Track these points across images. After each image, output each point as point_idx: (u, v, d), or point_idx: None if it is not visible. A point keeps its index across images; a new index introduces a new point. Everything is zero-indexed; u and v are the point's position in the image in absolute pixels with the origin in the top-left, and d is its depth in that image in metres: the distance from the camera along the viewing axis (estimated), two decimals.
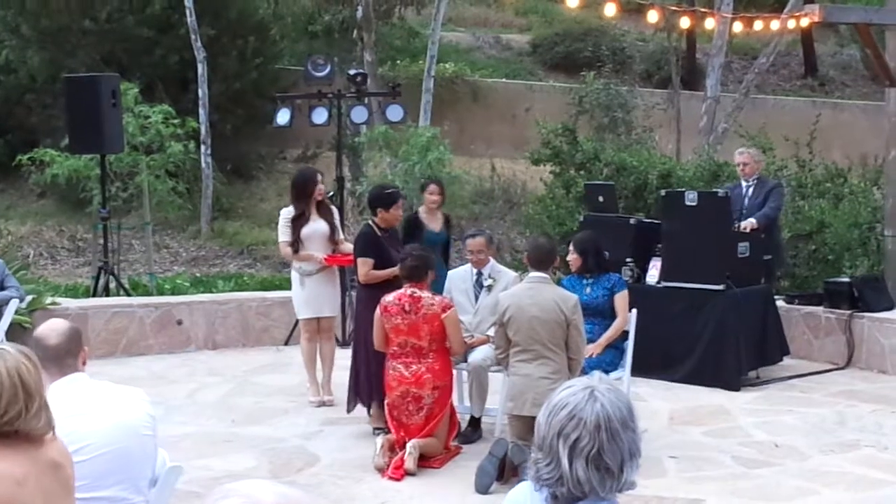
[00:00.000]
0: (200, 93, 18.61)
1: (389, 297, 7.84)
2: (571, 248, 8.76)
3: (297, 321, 11.58)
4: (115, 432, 4.57)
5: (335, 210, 9.75)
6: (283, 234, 9.38)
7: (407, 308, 7.75)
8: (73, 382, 4.52)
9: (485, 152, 21.56)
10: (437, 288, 8.36)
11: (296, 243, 9.27)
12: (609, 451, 2.84)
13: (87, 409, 4.48)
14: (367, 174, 17.40)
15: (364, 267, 8.45)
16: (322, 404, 9.30)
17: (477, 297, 8.72)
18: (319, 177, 9.57)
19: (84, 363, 4.67)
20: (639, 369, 9.07)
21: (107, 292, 12.35)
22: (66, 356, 4.55)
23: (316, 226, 9.29)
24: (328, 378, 9.49)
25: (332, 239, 9.40)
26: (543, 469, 2.90)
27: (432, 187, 10.19)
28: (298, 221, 9.29)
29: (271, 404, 9.50)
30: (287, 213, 9.43)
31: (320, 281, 9.32)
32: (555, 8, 29.50)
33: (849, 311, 10.81)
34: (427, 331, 7.74)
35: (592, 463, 2.84)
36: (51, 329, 4.65)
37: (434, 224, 9.96)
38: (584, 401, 2.87)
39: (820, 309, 11.12)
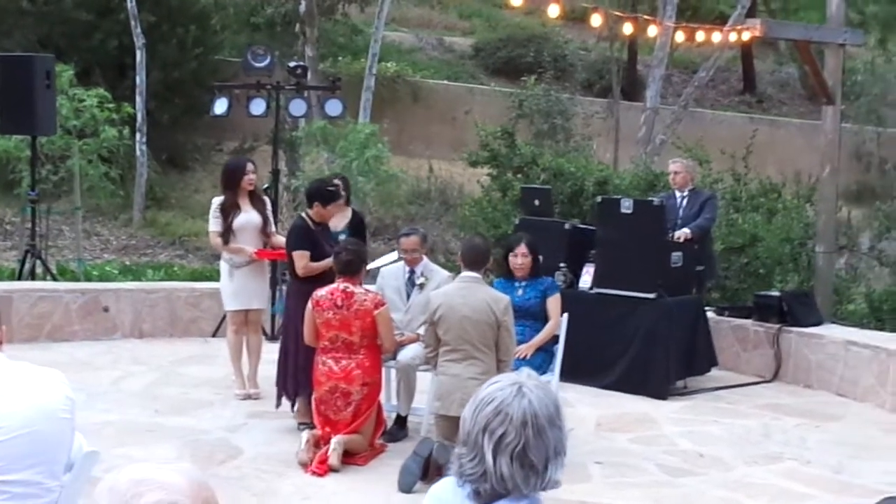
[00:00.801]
0: (138, 80, 18.39)
1: (322, 292, 7.77)
2: (524, 247, 8.65)
3: (225, 313, 11.52)
4: (31, 414, 4.45)
5: (268, 201, 9.63)
6: (214, 223, 9.24)
7: (339, 303, 7.69)
8: None
9: (423, 153, 21.54)
10: None
11: (226, 234, 9.14)
12: (535, 447, 2.80)
13: (2, 389, 4.36)
14: (303, 169, 17.28)
15: (301, 259, 8.35)
16: (248, 397, 9.21)
17: (409, 296, 8.66)
18: (250, 166, 9.43)
19: (1, 342, 4.55)
20: (568, 374, 9.07)
21: (33, 276, 12.14)
22: None
23: (248, 217, 9.17)
24: (255, 371, 9.40)
25: (265, 231, 9.30)
26: (467, 464, 2.85)
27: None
28: (229, 211, 9.16)
29: (196, 395, 9.38)
30: (217, 202, 9.31)
31: (250, 273, 9.21)
32: (498, 13, 29.61)
33: (777, 325, 10.89)
34: (359, 326, 7.68)
35: (517, 459, 2.79)
36: None
37: (340, 223, 9.32)
38: (512, 396, 2.83)
39: (749, 322, 11.19)
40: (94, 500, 2.42)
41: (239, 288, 9.24)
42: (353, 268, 7.76)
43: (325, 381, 7.73)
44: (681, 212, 10.88)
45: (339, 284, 7.75)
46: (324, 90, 13.58)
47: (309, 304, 7.79)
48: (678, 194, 11.02)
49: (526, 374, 2.94)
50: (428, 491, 3.11)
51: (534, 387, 2.86)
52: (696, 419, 9.35)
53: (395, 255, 9.20)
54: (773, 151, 20.32)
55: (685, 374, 10.44)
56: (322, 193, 8.56)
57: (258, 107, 12.45)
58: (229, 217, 9.14)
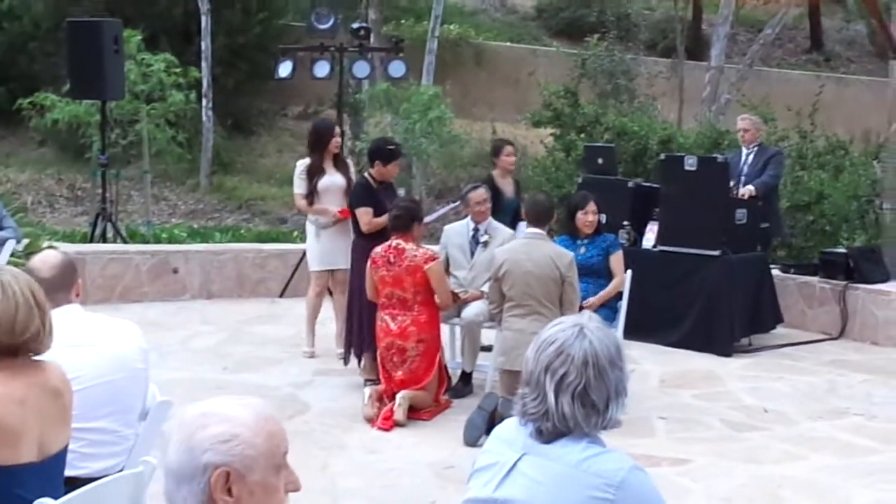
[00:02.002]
0: (203, 46, 18.53)
1: (378, 249, 7.87)
2: (594, 205, 8.73)
3: (292, 274, 11.68)
4: (108, 364, 4.58)
5: (351, 164, 9.65)
6: (299, 185, 9.29)
7: (391, 260, 7.78)
8: (67, 313, 4.52)
9: (486, 115, 21.50)
10: None
11: (311, 196, 9.22)
12: (595, 387, 2.86)
13: (80, 340, 4.49)
14: (367, 132, 17.37)
15: (365, 216, 8.45)
16: (313, 355, 9.28)
17: (473, 253, 8.73)
18: (338, 129, 9.52)
19: (78, 295, 4.67)
20: (631, 332, 9.08)
21: (104, 239, 12.35)
22: (58, 290, 4.53)
23: (332, 179, 9.19)
24: (341, 330, 9.29)
25: (348, 193, 9.30)
26: (530, 404, 2.91)
27: (509, 148, 10.09)
28: (314, 174, 9.22)
29: (264, 353, 9.53)
30: (303, 164, 9.38)
31: (335, 234, 9.17)
32: None
33: (844, 282, 10.81)
34: (411, 282, 7.76)
35: (578, 399, 2.85)
36: (42, 262, 4.62)
37: (507, 189, 9.81)
38: (573, 337, 2.89)
39: (815, 279, 11.12)
40: (167, 435, 2.52)
41: (325, 249, 9.25)
42: (402, 223, 7.83)
43: (383, 338, 7.85)
44: (745, 168, 10.82)
45: (392, 241, 7.84)
46: (387, 52, 13.62)
47: (368, 262, 7.91)
48: (744, 151, 10.97)
49: (587, 316, 2.99)
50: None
51: (595, 328, 2.91)
52: (761, 375, 9.34)
53: (453, 204, 9.28)
54: (840, 109, 20.06)
55: (750, 331, 10.40)
56: (382, 152, 8.65)
57: (322, 69, 12.53)
58: (314, 179, 9.20)
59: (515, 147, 10.16)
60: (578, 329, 2.90)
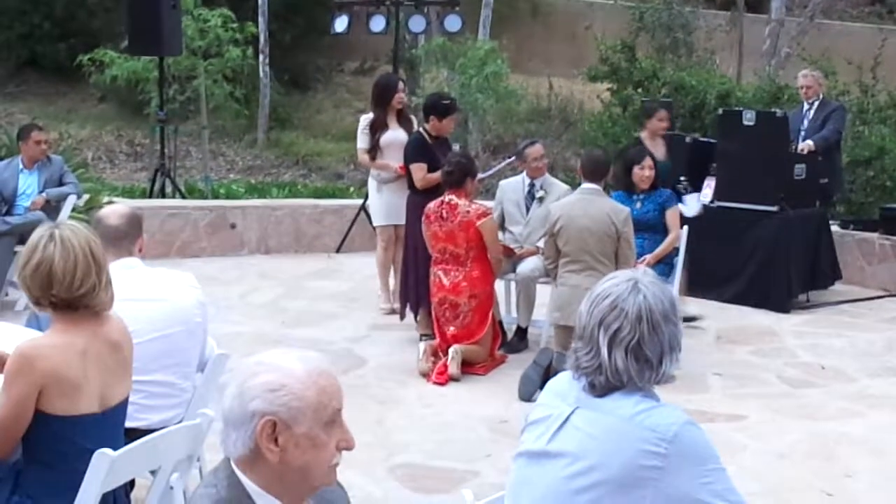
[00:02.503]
0: (260, 0, 18.54)
1: (431, 205, 7.88)
2: (650, 160, 8.68)
3: (348, 229, 11.73)
4: (166, 318, 4.65)
5: (415, 120, 9.58)
6: (362, 140, 9.28)
7: (444, 215, 7.79)
8: (128, 267, 4.59)
9: (542, 70, 21.35)
10: None
11: (374, 150, 9.21)
12: (649, 342, 2.86)
13: (140, 293, 4.55)
14: (423, 87, 17.32)
15: (419, 172, 8.45)
16: (392, 311, 9.21)
17: (528, 209, 8.71)
18: (401, 84, 9.50)
19: (141, 250, 4.73)
20: (689, 287, 9.06)
21: (162, 195, 12.47)
22: (124, 238, 4.61)
23: (395, 134, 9.16)
24: (397, 285, 9.24)
25: None
26: (583, 357, 2.92)
27: (662, 113, 9.97)
28: (377, 129, 9.21)
29: (321, 308, 9.59)
30: (366, 119, 9.38)
31: (397, 189, 9.10)
32: None
33: None
34: (463, 238, 7.76)
35: (632, 353, 2.86)
36: (112, 211, 4.73)
37: (657, 151, 9.57)
38: (627, 292, 2.89)
39: (875, 235, 11.00)
40: (224, 386, 2.55)
41: (388, 204, 9.24)
42: (455, 178, 7.81)
43: (436, 293, 7.88)
44: (806, 122, 10.71)
45: (445, 197, 7.84)
46: (443, 6, 13.55)
47: (423, 218, 7.92)
48: (805, 106, 10.85)
49: (642, 271, 2.98)
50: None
51: (649, 283, 2.91)
52: (819, 332, 9.27)
53: (510, 160, 9.24)
54: None
55: (808, 287, 10.32)
56: (437, 107, 8.63)
57: (378, 24, 12.51)
58: (377, 134, 9.20)
59: (671, 112, 9.93)
60: (633, 284, 2.89)
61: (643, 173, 8.63)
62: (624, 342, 2.85)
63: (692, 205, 9.69)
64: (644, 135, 9.95)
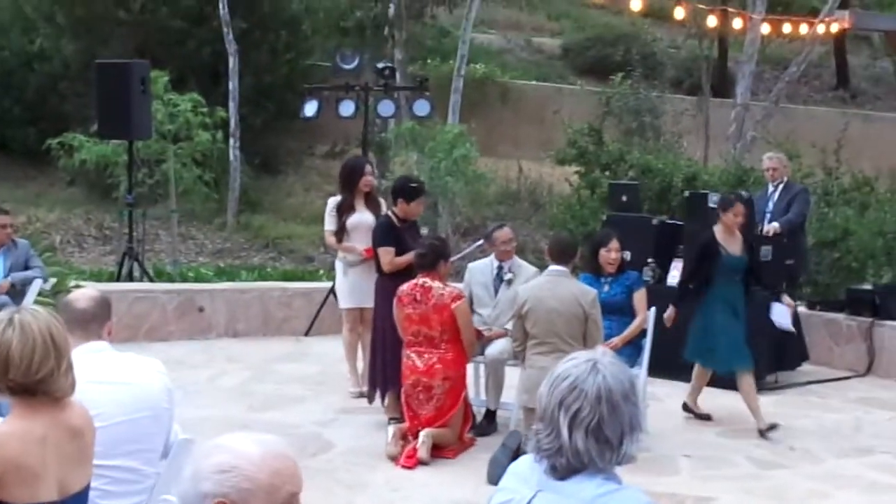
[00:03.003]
0: (231, 86, 18.67)
1: (403, 287, 7.90)
2: (616, 243, 8.71)
3: (317, 312, 11.72)
4: (132, 402, 4.61)
5: (383, 203, 9.62)
6: (329, 222, 9.39)
7: (418, 298, 7.81)
8: (96, 350, 4.57)
9: (512, 153, 21.56)
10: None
11: (340, 232, 9.27)
12: (609, 422, 2.86)
13: (106, 376, 4.52)
14: (393, 170, 17.42)
15: (387, 255, 8.47)
16: (361, 395, 9.18)
17: (497, 291, 8.74)
18: (369, 167, 9.58)
19: (109, 333, 4.72)
20: (657, 370, 9.08)
21: (130, 278, 12.43)
22: (92, 321, 4.60)
23: (362, 217, 9.24)
24: (366, 368, 9.21)
25: None
26: (544, 439, 2.92)
27: (739, 207, 8.87)
28: (344, 211, 9.29)
29: (289, 392, 9.56)
30: (333, 201, 9.45)
31: (364, 271, 9.17)
32: (587, 13, 29.53)
33: (871, 319, 10.77)
34: (437, 321, 7.78)
35: (592, 434, 2.85)
36: (81, 294, 4.72)
37: (733, 247, 8.88)
38: (587, 372, 2.89)
39: (841, 316, 11.09)
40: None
41: (354, 286, 9.30)
42: (428, 261, 7.87)
43: (409, 376, 7.87)
44: (771, 204, 10.85)
45: (418, 279, 7.87)
46: (412, 90, 13.73)
47: (394, 301, 7.93)
48: (770, 188, 11.00)
49: (601, 351, 3.00)
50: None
51: (608, 363, 2.92)
52: (787, 413, 9.28)
53: (478, 243, 9.27)
54: (867, 147, 19.99)
55: (776, 368, 10.37)
56: (405, 190, 8.67)
57: (347, 108, 12.62)
58: (343, 216, 9.26)
59: (750, 207, 8.93)
60: (592, 364, 2.90)
61: (609, 256, 8.68)
62: (584, 423, 2.85)
63: (783, 319, 9.41)
64: (718, 228, 8.88)
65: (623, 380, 2.90)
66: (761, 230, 10.44)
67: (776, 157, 11.29)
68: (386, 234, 8.55)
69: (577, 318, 7.44)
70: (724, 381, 9.92)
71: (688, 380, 10.03)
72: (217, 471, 2.41)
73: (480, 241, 9.69)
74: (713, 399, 9.66)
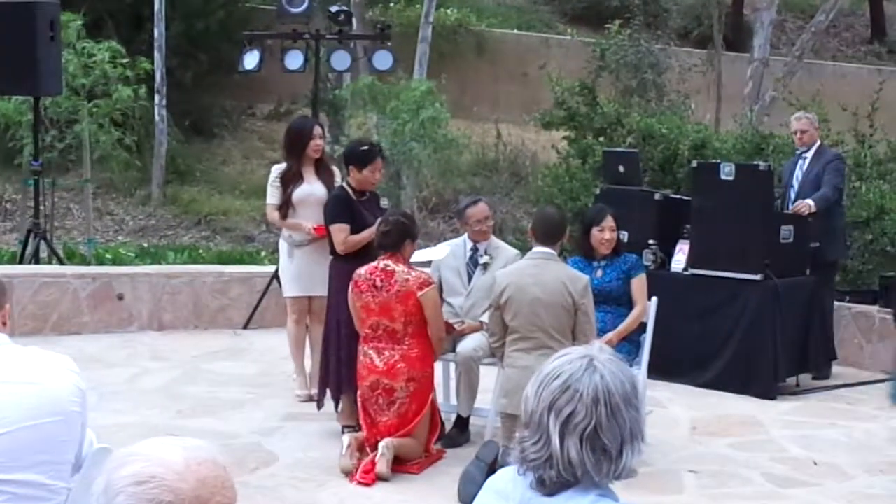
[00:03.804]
0: (156, 33, 18.60)
1: (361, 271, 7.87)
2: (612, 220, 8.74)
3: (258, 301, 11.70)
4: (37, 406, 4.58)
5: (337, 172, 9.60)
6: (271, 194, 9.34)
7: (378, 284, 7.77)
8: None
9: (489, 116, 21.58)
10: None
11: (285, 207, 9.24)
12: (608, 429, 2.86)
13: (5, 375, 4.50)
14: (349, 135, 17.41)
15: (341, 233, 8.44)
16: (310, 399, 9.20)
17: (471, 277, 8.75)
18: (318, 129, 9.51)
19: (4, 324, 4.68)
20: (657, 370, 9.12)
21: (36, 260, 12.36)
22: None
23: (310, 188, 9.21)
24: (318, 368, 9.16)
25: None
26: (530, 448, 2.91)
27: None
28: (290, 181, 9.25)
29: (225, 395, 9.55)
30: (277, 170, 9.42)
31: (313, 253, 9.17)
32: None
33: None
34: (401, 311, 7.76)
35: (588, 441, 2.85)
36: None
37: None
38: (582, 371, 2.89)
39: (874, 308, 11.15)
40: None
41: (301, 271, 9.29)
42: (391, 240, 7.83)
43: (367, 376, 7.84)
44: (800, 175, 10.85)
45: (378, 262, 7.85)
46: (371, 40, 13.66)
47: (350, 287, 7.91)
48: (798, 152, 11.01)
49: (598, 347, 3.00)
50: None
51: (607, 360, 2.92)
52: (810, 422, 9.36)
53: (444, 248, 9.21)
54: None
55: (797, 370, 10.43)
56: (355, 154, 8.61)
57: (295, 60, 12.55)
58: (289, 188, 9.23)
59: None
60: (588, 361, 2.90)
61: (603, 236, 8.69)
62: (578, 429, 2.85)
63: None
64: None
65: (624, 380, 2.90)
66: (784, 206, 10.44)
67: (806, 118, 11.29)
68: (340, 208, 8.53)
69: (564, 308, 7.45)
70: (735, 384, 10.03)
71: (693, 383, 10.13)
72: (133, 482, 2.39)
73: (451, 218, 9.67)
74: (723, 405, 9.73)
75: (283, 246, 9.50)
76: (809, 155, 10.97)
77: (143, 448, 2.45)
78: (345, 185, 8.71)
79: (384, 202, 9.05)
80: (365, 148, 8.75)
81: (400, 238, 7.86)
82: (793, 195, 10.80)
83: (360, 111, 17.15)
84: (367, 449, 7.78)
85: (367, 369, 7.87)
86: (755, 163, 11.31)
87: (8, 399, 4.42)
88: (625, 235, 9.27)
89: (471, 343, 8.41)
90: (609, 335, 8.31)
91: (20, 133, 14.63)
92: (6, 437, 4.10)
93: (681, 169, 13.40)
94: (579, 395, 2.86)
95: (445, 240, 10.09)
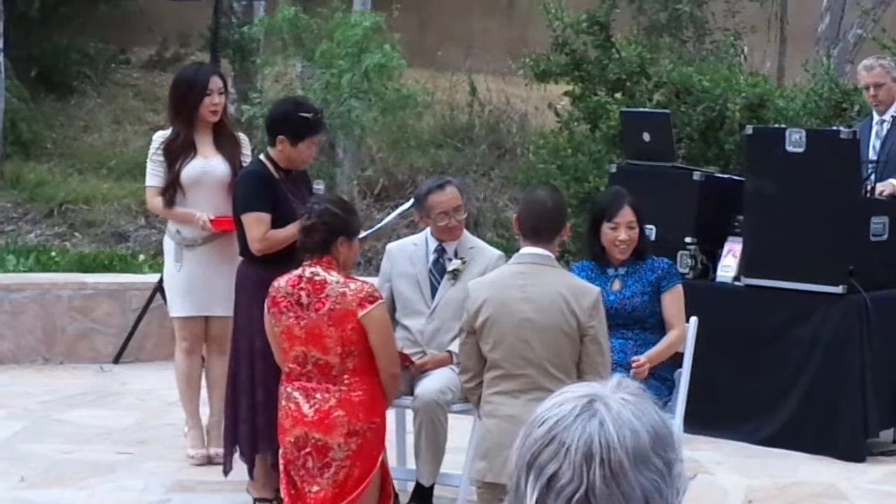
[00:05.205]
0: None
1: (280, 282, 7.81)
2: (630, 211, 8.69)
3: (135, 324, 11.69)
4: None
5: (245, 140, 9.66)
6: (152, 173, 9.34)
7: (304, 300, 7.73)
8: None
9: (461, 63, 21.61)
10: None
11: (171, 190, 9.25)
12: (604, 497, 2.81)
13: None
14: (262, 89, 17.42)
15: (258, 227, 8.44)
16: (209, 461, 9.25)
17: (435, 290, 8.76)
18: (217, 81, 9.49)
19: None
20: (698, 421, 9.15)
21: None
22: None
23: (207, 164, 9.24)
24: (220, 416, 9.23)
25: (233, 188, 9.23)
26: None
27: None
28: (178, 154, 9.25)
29: (87, 456, 9.55)
30: (160, 138, 9.42)
31: (211, 256, 9.22)
32: None
33: None
34: (336, 339, 7.72)
35: None
36: None
37: None
38: (574, 415, 2.80)
39: None
40: None
41: (193, 281, 9.30)
42: (318, 240, 7.78)
43: (291, 428, 7.82)
44: (877, 145, 10.89)
45: (303, 270, 7.81)
46: None
47: (266, 304, 7.90)
48: (875, 118, 11.06)
49: (617, 380, 2.92)
50: None
51: (619, 401, 2.84)
52: None
53: (405, 207, 9.27)
54: None
55: (894, 421, 10.48)
56: (292, 122, 8.63)
57: None
58: (177, 163, 9.23)
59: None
60: (586, 401, 2.83)
61: (617, 235, 8.62)
62: (564, 496, 2.81)
63: None
64: None
65: (639, 429, 2.80)
66: (870, 189, 10.48)
67: (880, 66, 11.31)
68: (257, 190, 8.53)
69: (565, 334, 7.43)
70: (808, 441, 10.04)
71: (749, 439, 10.16)
72: None
73: (409, 203, 9.67)
74: (790, 470, 9.77)
75: (168, 246, 9.48)
76: (888, 120, 10.99)
77: None
78: (263, 158, 8.69)
79: (318, 186, 9.06)
80: (306, 115, 8.72)
81: (331, 235, 7.78)
82: (873, 175, 10.79)
83: (277, 56, 17.14)
84: None
85: (291, 419, 7.86)
86: (834, 128, 11.37)
87: None
88: (652, 232, 9.30)
89: (435, 383, 8.43)
90: (640, 358, 8.29)
91: None
92: None
93: (730, 138, 13.47)
94: (566, 448, 2.79)
95: (399, 237, 10.11)
